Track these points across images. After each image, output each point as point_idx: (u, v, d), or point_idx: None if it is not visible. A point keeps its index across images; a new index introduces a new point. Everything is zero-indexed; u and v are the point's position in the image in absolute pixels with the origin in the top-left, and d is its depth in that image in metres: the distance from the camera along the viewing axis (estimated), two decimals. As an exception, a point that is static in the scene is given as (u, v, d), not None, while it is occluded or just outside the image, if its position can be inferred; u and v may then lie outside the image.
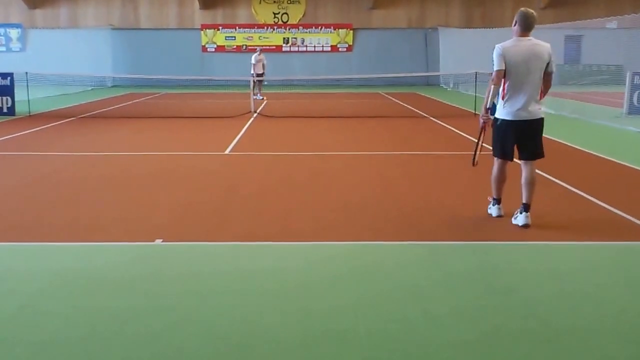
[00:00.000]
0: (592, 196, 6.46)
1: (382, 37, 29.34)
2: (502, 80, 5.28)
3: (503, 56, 5.22)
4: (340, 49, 29.61)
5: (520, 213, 5.38)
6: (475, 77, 16.16)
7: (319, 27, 29.51)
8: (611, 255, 4.78)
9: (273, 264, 4.52)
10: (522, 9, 5.35)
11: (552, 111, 13.97)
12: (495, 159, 5.60)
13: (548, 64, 5.25)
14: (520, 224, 5.34)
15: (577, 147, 10.00)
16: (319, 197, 6.55)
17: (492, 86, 5.28)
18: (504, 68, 5.22)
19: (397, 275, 4.26)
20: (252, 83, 17.91)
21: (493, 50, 5.28)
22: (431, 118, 14.49)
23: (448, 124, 13.07)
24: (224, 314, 3.62)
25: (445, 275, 4.24)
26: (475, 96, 15.63)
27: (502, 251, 4.86)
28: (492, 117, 5.48)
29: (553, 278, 4.21)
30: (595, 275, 4.31)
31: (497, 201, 5.67)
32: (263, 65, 20.33)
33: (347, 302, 3.79)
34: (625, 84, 14.39)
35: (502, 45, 5.28)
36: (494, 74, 5.26)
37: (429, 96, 22.05)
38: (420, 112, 15.85)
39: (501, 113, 5.39)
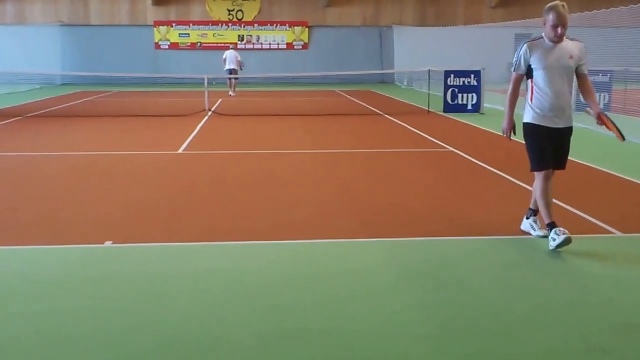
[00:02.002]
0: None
1: (338, 35, 29.44)
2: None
3: None
4: (295, 47, 29.57)
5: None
6: (429, 75, 16.35)
7: (274, 25, 29.39)
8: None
9: (228, 264, 4.45)
10: None
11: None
12: None
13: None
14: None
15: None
16: (274, 196, 6.50)
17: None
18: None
19: (353, 272, 4.26)
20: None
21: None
22: (386, 116, 14.60)
23: (403, 122, 13.19)
24: (178, 315, 3.54)
25: (402, 271, 4.26)
26: (429, 94, 15.82)
27: (453, 246, 4.91)
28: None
29: (503, 270, 4.28)
30: (542, 267, 4.40)
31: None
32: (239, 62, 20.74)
33: (303, 300, 3.77)
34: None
35: None
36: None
37: (384, 94, 22.22)
38: (376, 110, 15.95)
39: None
